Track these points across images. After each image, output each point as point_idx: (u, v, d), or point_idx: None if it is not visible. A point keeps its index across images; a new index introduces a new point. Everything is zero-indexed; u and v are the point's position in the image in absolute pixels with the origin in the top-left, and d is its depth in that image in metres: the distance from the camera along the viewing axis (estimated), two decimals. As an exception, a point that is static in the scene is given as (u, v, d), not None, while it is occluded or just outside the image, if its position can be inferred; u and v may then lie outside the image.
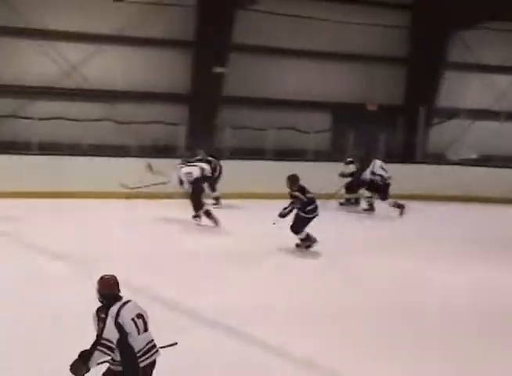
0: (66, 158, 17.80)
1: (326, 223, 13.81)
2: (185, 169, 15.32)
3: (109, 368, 6.02)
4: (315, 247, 13.14)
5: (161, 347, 6.19)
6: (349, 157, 18.31)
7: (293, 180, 13.01)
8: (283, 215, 12.85)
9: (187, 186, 15.15)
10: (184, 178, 15.16)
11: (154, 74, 20.80)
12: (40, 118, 18.55)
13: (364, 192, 17.87)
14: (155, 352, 6.03)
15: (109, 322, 5.83)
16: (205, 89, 20.71)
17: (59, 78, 19.90)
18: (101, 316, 5.92)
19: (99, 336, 5.83)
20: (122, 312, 5.88)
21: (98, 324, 5.92)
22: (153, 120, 19.90)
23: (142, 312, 6.02)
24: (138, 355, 5.91)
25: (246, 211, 17.10)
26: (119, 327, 5.84)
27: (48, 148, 18.38)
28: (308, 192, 13.03)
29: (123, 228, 14.59)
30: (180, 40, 20.86)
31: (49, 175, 16.95)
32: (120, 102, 20.50)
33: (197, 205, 14.97)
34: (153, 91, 20.72)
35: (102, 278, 6.11)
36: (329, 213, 15.20)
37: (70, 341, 6.82)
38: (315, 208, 13.04)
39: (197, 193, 15.11)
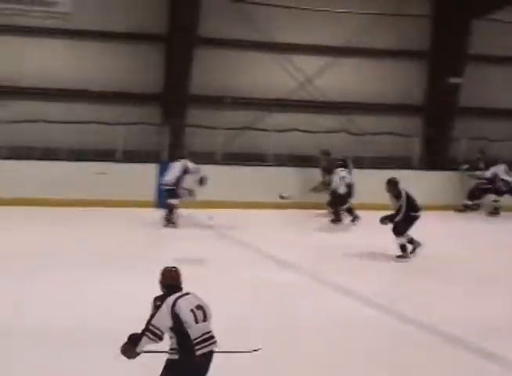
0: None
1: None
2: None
3: (167, 359, 6.06)
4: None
5: (245, 351, 6.41)
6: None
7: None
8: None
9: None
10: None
11: (387, 85, 20.62)
12: (276, 130, 18.93)
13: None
14: (212, 343, 6.02)
15: (163, 310, 5.95)
16: (440, 100, 20.31)
17: (295, 90, 20.17)
18: (157, 303, 6.06)
19: (148, 323, 5.96)
20: (179, 302, 5.98)
21: (152, 311, 6.06)
22: (385, 131, 19.72)
23: (202, 305, 6.08)
24: (194, 342, 5.92)
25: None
26: (174, 315, 5.92)
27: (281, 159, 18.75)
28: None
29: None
30: (414, 50, 20.60)
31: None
32: (354, 113, 20.47)
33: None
34: (385, 102, 20.57)
35: (165, 269, 6.29)
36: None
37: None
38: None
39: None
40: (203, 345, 5.98)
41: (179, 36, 18.58)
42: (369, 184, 16.33)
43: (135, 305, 7.62)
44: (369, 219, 14.54)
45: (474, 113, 20.76)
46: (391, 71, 20.70)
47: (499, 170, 18.62)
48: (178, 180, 15.19)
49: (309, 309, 9.82)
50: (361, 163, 18.63)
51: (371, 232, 14.19)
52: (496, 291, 11.31)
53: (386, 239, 13.07)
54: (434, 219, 15.72)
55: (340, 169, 16.70)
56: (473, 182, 18.77)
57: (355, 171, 17.13)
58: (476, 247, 14.50)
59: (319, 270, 12.02)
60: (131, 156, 17.68)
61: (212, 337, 6.06)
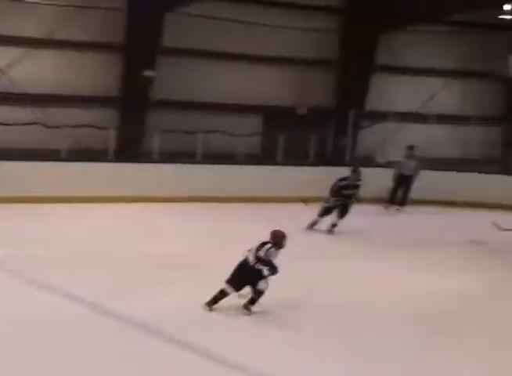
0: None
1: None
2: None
3: None
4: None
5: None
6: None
7: None
8: None
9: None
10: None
11: (84, 78, 20.69)
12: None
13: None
14: None
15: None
16: (135, 92, 20.69)
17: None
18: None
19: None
20: None
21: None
22: (83, 123, 19.75)
23: None
24: None
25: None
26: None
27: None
28: None
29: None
30: (109, 42, 20.80)
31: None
32: (50, 105, 20.32)
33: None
34: (83, 94, 20.61)
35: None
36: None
37: None
38: None
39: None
40: None
41: None
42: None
43: None
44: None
45: (167, 106, 21.31)
46: (89, 63, 20.78)
47: None
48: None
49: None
50: (57, 156, 18.70)
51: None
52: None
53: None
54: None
55: None
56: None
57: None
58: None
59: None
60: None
61: None
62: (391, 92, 23.77)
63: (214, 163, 19.81)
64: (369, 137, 23.00)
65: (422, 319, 10.71)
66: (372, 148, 22.87)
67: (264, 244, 9.91)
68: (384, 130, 23.11)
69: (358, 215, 16.45)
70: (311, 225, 16.03)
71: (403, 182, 19.71)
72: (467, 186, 20.15)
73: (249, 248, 9.99)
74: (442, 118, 23.59)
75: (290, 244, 10.11)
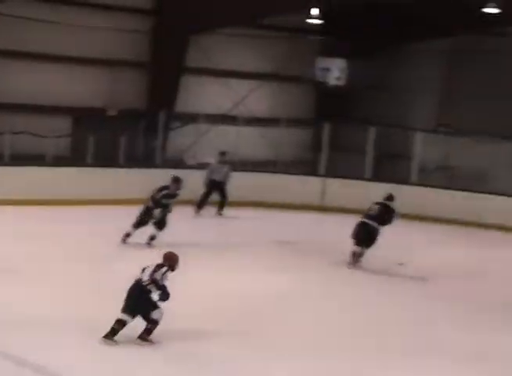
0: None
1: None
2: None
3: None
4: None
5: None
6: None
7: None
8: None
9: None
10: None
11: None
12: None
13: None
14: None
15: None
16: None
17: None
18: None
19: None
20: None
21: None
22: None
23: None
24: None
25: None
26: None
27: None
28: None
29: None
30: None
31: None
32: None
33: None
34: None
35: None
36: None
37: None
38: None
39: None
40: None
41: None
42: None
43: None
44: None
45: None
46: None
47: None
48: None
49: None
50: None
51: None
52: None
53: None
54: None
55: None
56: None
57: None
58: None
59: None
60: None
61: None
62: (202, 94, 23.84)
63: (22, 165, 19.19)
64: (180, 139, 22.97)
65: (233, 318, 10.85)
66: (182, 149, 22.88)
67: (160, 266, 9.61)
68: (194, 132, 23.16)
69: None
70: (125, 237, 15.33)
71: (215, 187, 19.70)
72: (276, 187, 20.56)
73: (143, 268, 9.64)
74: (253, 120, 23.92)
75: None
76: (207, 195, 19.61)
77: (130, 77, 22.95)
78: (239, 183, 19.77)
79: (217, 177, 19.62)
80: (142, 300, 9.52)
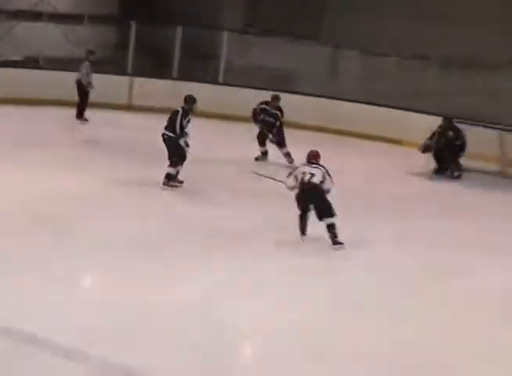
0: None
1: None
2: None
3: None
4: None
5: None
6: None
7: None
8: None
9: None
10: None
11: None
12: None
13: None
14: None
15: None
16: None
17: None
18: None
19: None
20: None
21: None
22: None
23: None
24: None
25: None
26: None
27: None
28: None
29: None
30: None
31: None
32: None
33: None
34: None
35: None
36: None
37: None
38: None
39: None
40: None
41: None
42: None
43: None
44: None
45: None
46: None
47: None
48: None
49: None
50: None
51: None
52: None
53: None
54: None
55: None
56: None
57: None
58: None
59: None
60: None
61: None
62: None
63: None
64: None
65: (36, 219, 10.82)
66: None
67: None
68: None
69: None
70: None
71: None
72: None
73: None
74: (57, 17, 23.10)
75: None
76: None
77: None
78: (44, 82, 19.33)
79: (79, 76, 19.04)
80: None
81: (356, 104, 20.58)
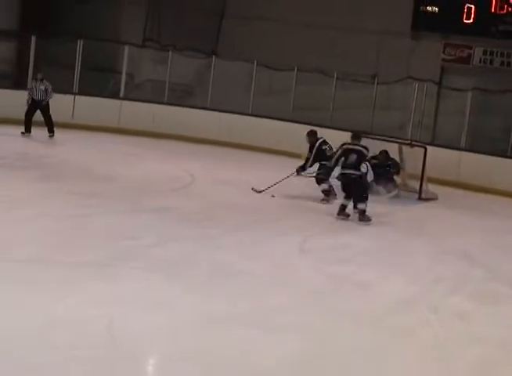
0: None
1: None
2: None
3: None
4: None
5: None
6: None
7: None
8: None
9: None
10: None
11: None
12: None
13: None
14: None
15: None
16: None
17: None
18: None
19: None
20: None
21: None
22: None
23: None
24: None
25: None
26: None
27: None
28: None
29: None
30: None
31: None
32: None
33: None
34: None
35: None
36: None
37: None
38: None
39: None
40: None
41: None
42: None
43: None
44: None
45: None
46: None
47: None
48: None
49: None
50: None
51: None
52: None
53: None
54: None
55: None
56: None
57: None
58: None
59: None
60: None
61: None
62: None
63: None
64: None
65: None
66: None
67: None
68: None
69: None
70: None
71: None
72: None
73: None
74: None
75: None
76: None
77: None
78: None
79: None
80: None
81: (253, 118, 21.13)
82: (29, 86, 19.89)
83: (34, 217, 11.61)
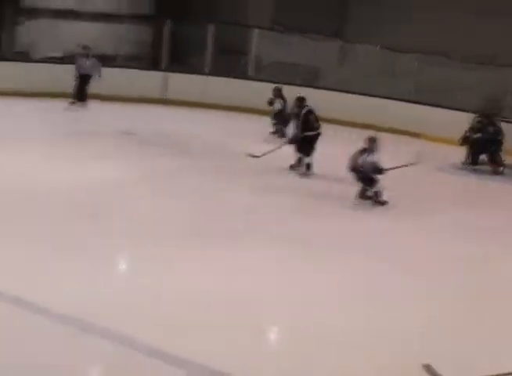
0: None
1: None
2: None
3: None
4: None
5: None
6: None
7: None
8: None
9: None
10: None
11: None
12: None
13: None
14: None
15: None
16: None
17: None
18: None
19: None
20: None
21: None
22: None
23: None
24: None
25: None
26: None
27: None
28: None
29: None
30: None
31: None
32: None
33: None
34: None
35: None
36: None
37: None
38: None
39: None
40: None
41: None
42: None
43: None
44: None
45: None
46: None
47: None
48: None
49: None
50: None
51: None
52: None
53: None
54: None
55: None
56: None
57: None
58: None
59: None
60: None
61: None
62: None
63: None
64: (27, 33, 23.10)
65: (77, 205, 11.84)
66: (29, 44, 23.15)
67: None
68: (40, 26, 23.31)
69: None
70: None
71: (84, 80, 20.14)
72: (118, 81, 21.19)
73: None
74: (97, 16, 24.17)
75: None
76: (78, 88, 20.09)
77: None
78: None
79: (82, 70, 20.09)
80: None
81: (379, 99, 21.38)
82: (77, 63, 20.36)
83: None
